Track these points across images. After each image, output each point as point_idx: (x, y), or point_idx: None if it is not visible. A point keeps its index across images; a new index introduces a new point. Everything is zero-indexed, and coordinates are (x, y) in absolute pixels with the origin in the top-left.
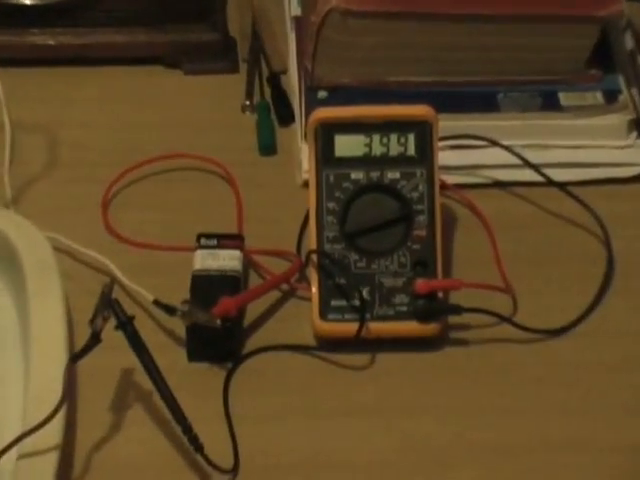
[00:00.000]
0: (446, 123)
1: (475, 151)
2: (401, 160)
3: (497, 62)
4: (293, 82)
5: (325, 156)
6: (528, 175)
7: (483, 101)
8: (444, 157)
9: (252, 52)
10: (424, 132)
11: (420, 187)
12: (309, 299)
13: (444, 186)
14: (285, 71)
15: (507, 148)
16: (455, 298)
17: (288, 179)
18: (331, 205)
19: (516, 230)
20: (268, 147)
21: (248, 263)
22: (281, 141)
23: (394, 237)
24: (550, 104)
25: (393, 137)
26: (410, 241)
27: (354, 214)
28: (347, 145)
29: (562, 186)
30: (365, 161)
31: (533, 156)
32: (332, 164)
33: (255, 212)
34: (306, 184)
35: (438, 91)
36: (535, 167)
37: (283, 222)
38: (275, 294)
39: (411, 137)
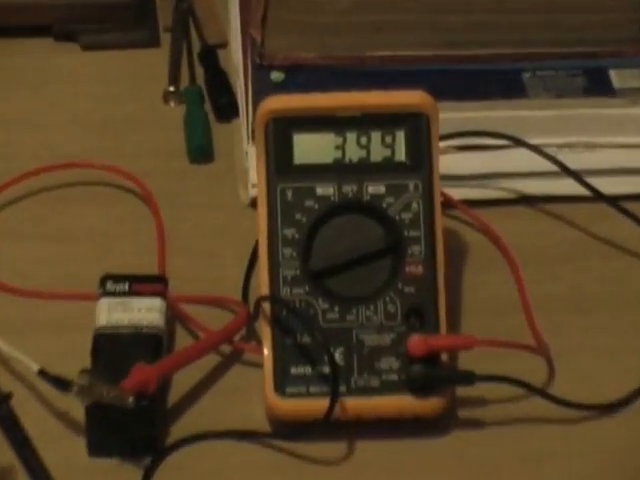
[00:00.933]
0: (451, 115)
1: (492, 154)
2: (387, 168)
3: (522, 28)
4: (236, 59)
5: (280, 164)
6: (567, 186)
7: (503, 83)
8: (449, 162)
9: (178, 18)
10: (418, 128)
11: (414, 205)
12: (260, 365)
13: (449, 203)
14: (224, 44)
15: (536, 149)
16: (466, 361)
17: (229, 196)
18: (289, 232)
19: (551, 264)
20: (201, 151)
21: (174, 316)
22: (219, 142)
23: (378, 276)
24: (597, 86)
25: (375, 136)
26: (401, 282)
27: (322, 245)
28: (311, 148)
29: (614, 201)
30: (337, 170)
31: (573, 160)
32: (290, 175)
33: (183, 243)
34: (254, 203)
35: (439, 70)
36: (576, 175)
37: (223, 257)
38: (213, 358)
39: (400, 136)
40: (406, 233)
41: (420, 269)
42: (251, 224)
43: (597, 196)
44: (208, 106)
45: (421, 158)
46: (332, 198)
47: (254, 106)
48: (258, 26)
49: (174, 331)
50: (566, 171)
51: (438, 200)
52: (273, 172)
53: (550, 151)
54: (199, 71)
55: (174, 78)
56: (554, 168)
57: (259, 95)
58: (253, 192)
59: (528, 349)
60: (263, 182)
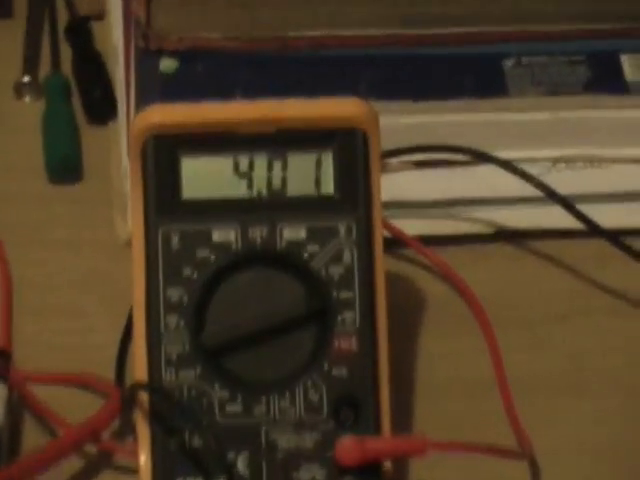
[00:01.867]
0: (404, 120)
1: (460, 173)
2: (309, 205)
3: None
4: (115, 38)
5: (163, 198)
6: (558, 217)
7: (475, 75)
8: (400, 184)
9: None
10: (352, 149)
11: (346, 256)
12: (136, 471)
13: (399, 240)
14: (100, 16)
15: (514, 168)
16: (420, 469)
17: (102, 231)
18: (175, 294)
19: (537, 326)
20: (63, 166)
21: (21, 403)
22: (91, 153)
23: (297, 354)
24: (604, 79)
25: (294, 160)
26: (328, 361)
27: (219, 311)
28: (205, 177)
29: (616, 237)
30: (240, 207)
31: (572, 179)
32: (176, 213)
33: (38, 298)
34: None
35: (388, 56)
36: (566, 202)
37: (91, 317)
38: (74, 463)
39: (327, 160)
40: (335, 294)
41: (354, 343)
42: (131, 268)
43: (594, 230)
44: (77, 101)
45: (355, 190)
46: (234, 246)
47: (138, 105)
48: None
49: (20, 424)
50: (553, 197)
51: (379, 248)
52: (153, 209)
53: (541, 167)
54: (66, 54)
55: (30, 63)
56: (539, 193)
57: (145, 90)
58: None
59: (502, 454)
60: (139, 223)
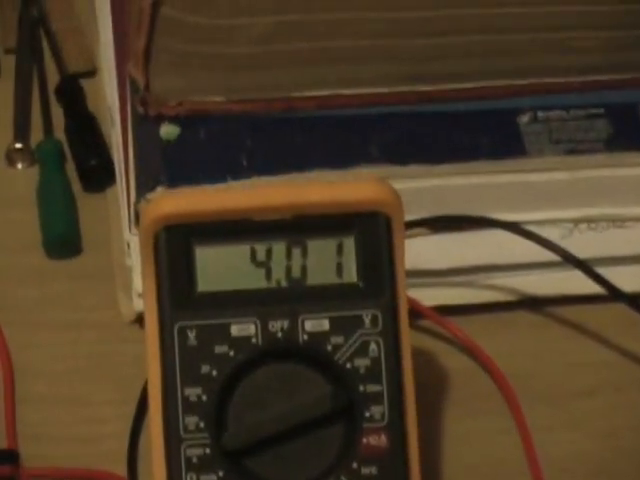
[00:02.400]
0: (417, 184)
1: (479, 237)
2: (332, 294)
3: (517, 50)
4: (109, 99)
5: (178, 292)
6: (581, 281)
7: (492, 132)
8: (416, 251)
9: (24, 33)
10: (375, 234)
11: (372, 347)
12: None
13: (418, 311)
14: (91, 72)
15: (530, 234)
16: None
17: (104, 309)
18: (194, 393)
19: (568, 400)
20: (62, 242)
21: None
22: (89, 225)
23: (323, 454)
24: (625, 133)
25: (314, 247)
26: (356, 460)
27: (241, 410)
28: (221, 268)
29: (637, 303)
30: (259, 299)
31: (595, 241)
32: (192, 308)
33: (41, 385)
34: (142, 318)
35: (400, 114)
36: (585, 266)
37: (96, 405)
38: None
39: (350, 246)
40: (361, 388)
41: (383, 440)
42: (137, 350)
43: (616, 295)
44: (72, 166)
45: (380, 277)
46: (254, 340)
47: (138, 174)
48: (139, 60)
49: None
50: (571, 261)
51: (407, 336)
52: (168, 305)
53: (563, 229)
54: (57, 115)
55: (22, 128)
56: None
57: (145, 157)
58: (139, 303)
59: None
60: (154, 319)
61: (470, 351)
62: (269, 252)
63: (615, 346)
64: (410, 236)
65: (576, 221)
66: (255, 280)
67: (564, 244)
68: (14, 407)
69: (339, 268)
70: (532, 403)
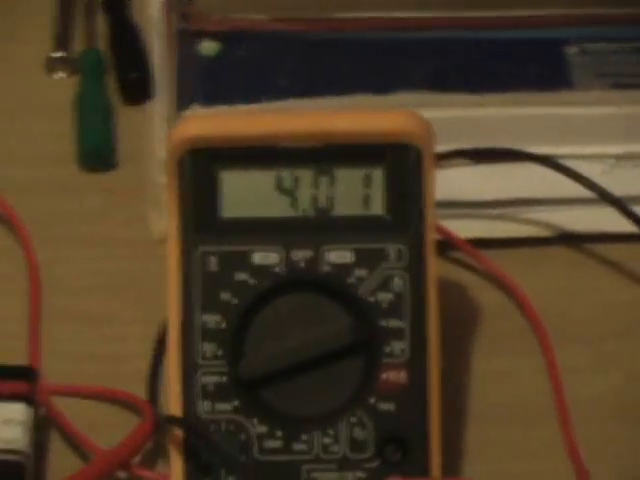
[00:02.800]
0: (460, 113)
1: (519, 170)
2: (357, 225)
3: None
4: (153, 13)
5: (201, 217)
6: (621, 219)
7: (538, 63)
8: (453, 182)
9: None
10: (404, 166)
11: (396, 282)
12: None
13: (452, 243)
14: None
15: (567, 170)
16: None
17: (135, 225)
18: (213, 320)
19: (603, 342)
20: (97, 155)
21: (49, 416)
22: (126, 138)
23: (341, 387)
24: None
25: (342, 177)
26: (374, 395)
27: (259, 339)
28: (247, 194)
29: None
30: (283, 227)
31: (633, 179)
32: (215, 233)
33: (63, 301)
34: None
35: (444, 40)
36: (621, 204)
37: (123, 323)
38: None
39: (378, 177)
40: (383, 323)
41: (403, 376)
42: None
43: None
44: (115, 82)
45: (407, 211)
46: (276, 269)
47: (175, 90)
48: None
49: (49, 443)
50: (607, 198)
51: (433, 273)
52: (191, 229)
53: (605, 165)
54: (101, 27)
55: (63, 38)
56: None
57: (183, 73)
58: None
59: None
60: (176, 243)
61: (504, 286)
62: (296, 180)
63: None
64: (449, 166)
65: (618, 157)
66: (280, 208)
67: (605, 180)
68: (39, 323)
69: (366, 200)
70: (563, 342)
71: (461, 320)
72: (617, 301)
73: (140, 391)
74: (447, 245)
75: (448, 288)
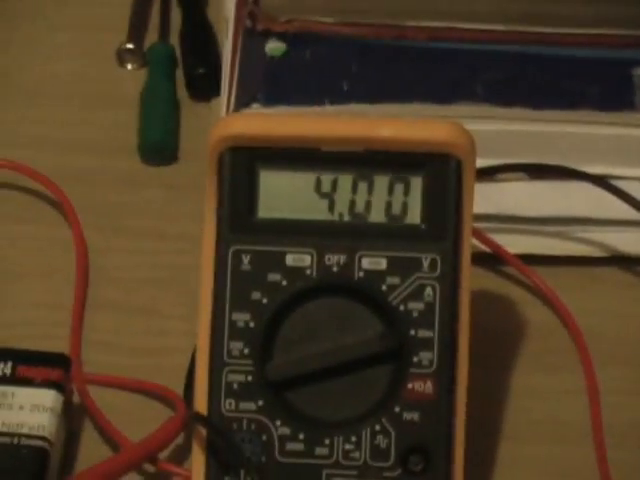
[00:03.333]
0: (521, 128)
1: (574, 189)
2: (393, 233)
3: None
4: (227, 12)
5: (237, 215)
6: None
7: (602, 82)
8: (510, 194)
9: None
10: (444, 176)
11: (428, 292)
12: None
13: (500, 257)
14: None
15: (621, 193)
16: None
17: (191, 222)
18: (242, 318)
19: None
20: (158, 149)
21: (79, 408)
22: (190, 133)
23: (367, 394)
24: None
25: (381, 183)
26: (399, 404)
27: (288, 341)
28: (284, 195)
29: None
30: (319, 230)
31: None
32: (250, 233)
33: (111, 292)
34: None
35: (508, 54)
36: None
37: (167, 319)
38: None
39: (417, 185)
40: (412, 332)
41: (429, 387)
42: None
43: None
44: (181, 77)
45: (444, 221)
46: (308, 272)
47: (238, 88)
48: None
49: (81, 432)
50: None
51: (466, 285)
52: (226, 227)
53: None
54: (176, 22)
55: (136, 30)
56: None
57: (248, 72)
58: None
59: None
60: (210, 240)
61: (550, 304)
62: (334, 183)
63: None
64: (503, 180)
65: None
66: (317, 211)
67: None
68: (82, 312)
69: (404, 208)
70: (606, 364)
71: (505, 335)
72: None
73: (179, 387)
74: (496, 259)
75: (494, 302)
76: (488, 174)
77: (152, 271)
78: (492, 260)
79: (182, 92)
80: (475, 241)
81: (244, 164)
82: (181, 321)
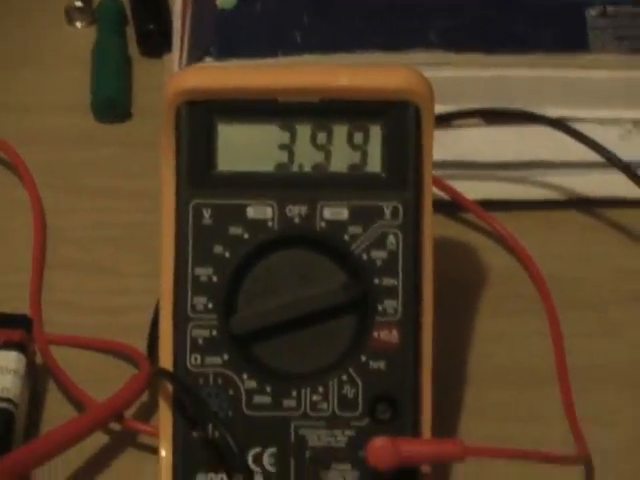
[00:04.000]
0: (475, 74)
1: (531, 132)
2: (354, 182)
3: None
4: None
5: (196, 169)
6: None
7: (556, 24)
8: (467, 141)
9: None
10: (403, 124)
11: (390, 240)
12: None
13: (460, 204)
14: None
15: (580, 135)
16: (463, 476)
17: (148, 178)
18: (205, 273)
19: (603, 308)
20: (111, 106)
21: (46, 366)
22: (143, 90)
23: (332, 344)
24: None
25: (339, 132)
26: (365, 353)
27: (252, 294)
28: (243, 147)
29: None
30: (279, 182)
31: None
32: (210, 186)
33: (68, 252)
34: None
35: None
36: (629, 170)
37: (127, 277)
38: (96, 441)
39: (376, 133)
40: (376, 281)
41: (395, 335)
42: None
43: None
44: (132, 33)
45: (405, 169)
46: (270, 224)
47: (190, 43)
48: None
49: (44, 393)
50: (615, 163)
51: (429, 233)
52: (185, 182)
53: (622, 129)
54: None
55: None
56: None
57: (200, 26)
58: None
59: (551, 460)
60: (170, 195)
61: (511, 249)
62: (293, 134)
63: None
64: (461, 126)
65: (636, 122)
66: (276, 163)
67: (622, 145)
68: (41, 273)
69: (364, 157)
70: (569, 307)
71: (466, 281)
72: (627, 267)
73: (142, 344)
74: (456, 206)
75: (455, 249)
76: (445, 121)
77: (110, 229)
78: (451, 207)
79: (134, 49)
80: (434, 189)
81: (201, 118)
82: (142, 278)
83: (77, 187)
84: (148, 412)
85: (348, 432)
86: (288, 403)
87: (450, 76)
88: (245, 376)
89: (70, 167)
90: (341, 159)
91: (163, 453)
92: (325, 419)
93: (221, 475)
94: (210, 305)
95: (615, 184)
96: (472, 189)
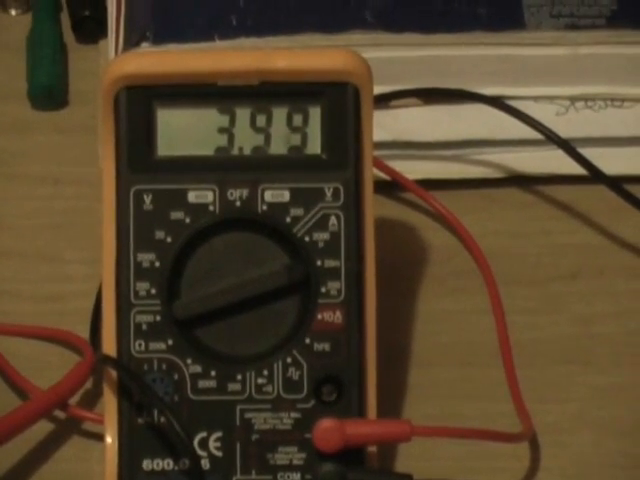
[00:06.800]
0: (413, 54)
1: (469, 111)
2: (294, 164)
3: None
4: None
5: (136, 155)
6: (573, 162)
7: (491, 2)
8: (405, 120)
9: None
10: (342, 105)
11: (332, 221)
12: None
13: (399, 183)
14: None
15: (517, 112)
16: (409, 456)
17: (85, 165)
18: (147, 258)
19: (549, 284)
20: (47, 94)
21: None
22: (79, 77)
23: (276, 327)
24: (629, 11)
25: (279, 114)
26: (310, 335)
27: (194, 279)
28: (183, 132)
29: (619, 185)
30: (219, 165)
31: (591, 120)
32: (150, 171)
33: (8, 240)
34: None
35: None
36: (568, 146)
37: (67, 264)
38: (41, 428)
39: (315, 115)
40: (319, 263)
41: (339, 316)
42: None
43: (597, 177)
44: (67, 16)
45: (345, 150)
46: (211, 208)
47: (126, 28)
48: None
49: None
50: (554, 140)
51: (370, 213)
52: (125, 167)
53: (559, 106)
54: None
55: None
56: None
57: (134, 11)
58: None
59: (497, 438)
60: (110, 181)
61: (451, 227)
62: (232, 118)
63: (601, 229)
64: (398, 106)
65: (573, 99)
66: (217, 146)
67: (559, 121)
68: None
69: (304, 138)
70: (510, 284)
71: (408, 261)
72: (566, 243)
73: (85, 331)
74: (395, 186)
75: (395, 229)
76: (383, 101)
77: (49, 217)
78: (391, 187)
79: (69, 36)
80: (374, 169)
81: (140, 103)
82: (82, 265)
83: (14, 175)
84: (93, 400)
85: (294, 414)
86: (233, 387)
87: (387, 56)
88: (189, 361)
89: (6, 155)
90: (281, 141)
91: (109, 440)
92: (270, 402)
93: (167, 460)
94: (153, 290)
95: (552, 161)
96: (412, 169)
